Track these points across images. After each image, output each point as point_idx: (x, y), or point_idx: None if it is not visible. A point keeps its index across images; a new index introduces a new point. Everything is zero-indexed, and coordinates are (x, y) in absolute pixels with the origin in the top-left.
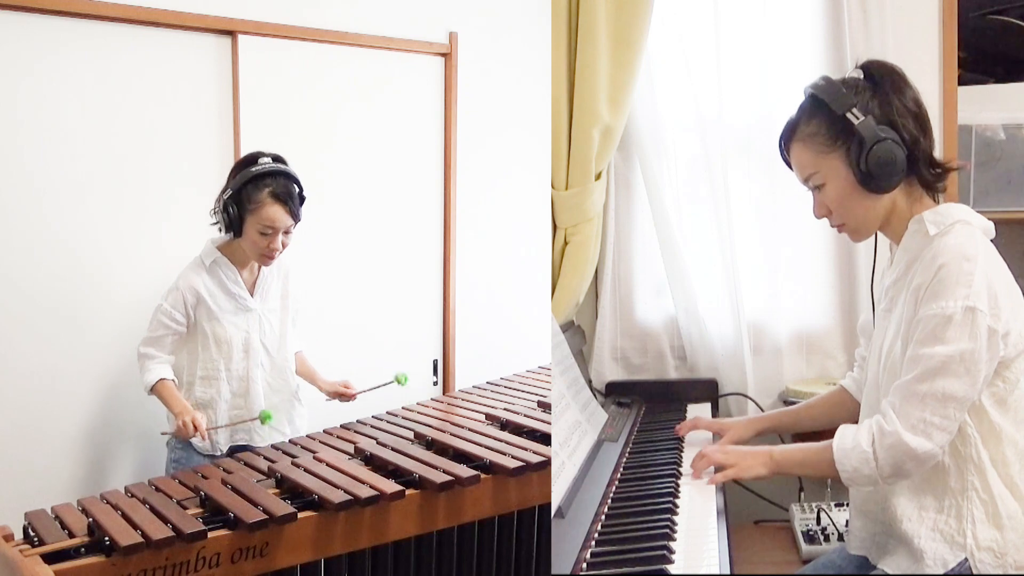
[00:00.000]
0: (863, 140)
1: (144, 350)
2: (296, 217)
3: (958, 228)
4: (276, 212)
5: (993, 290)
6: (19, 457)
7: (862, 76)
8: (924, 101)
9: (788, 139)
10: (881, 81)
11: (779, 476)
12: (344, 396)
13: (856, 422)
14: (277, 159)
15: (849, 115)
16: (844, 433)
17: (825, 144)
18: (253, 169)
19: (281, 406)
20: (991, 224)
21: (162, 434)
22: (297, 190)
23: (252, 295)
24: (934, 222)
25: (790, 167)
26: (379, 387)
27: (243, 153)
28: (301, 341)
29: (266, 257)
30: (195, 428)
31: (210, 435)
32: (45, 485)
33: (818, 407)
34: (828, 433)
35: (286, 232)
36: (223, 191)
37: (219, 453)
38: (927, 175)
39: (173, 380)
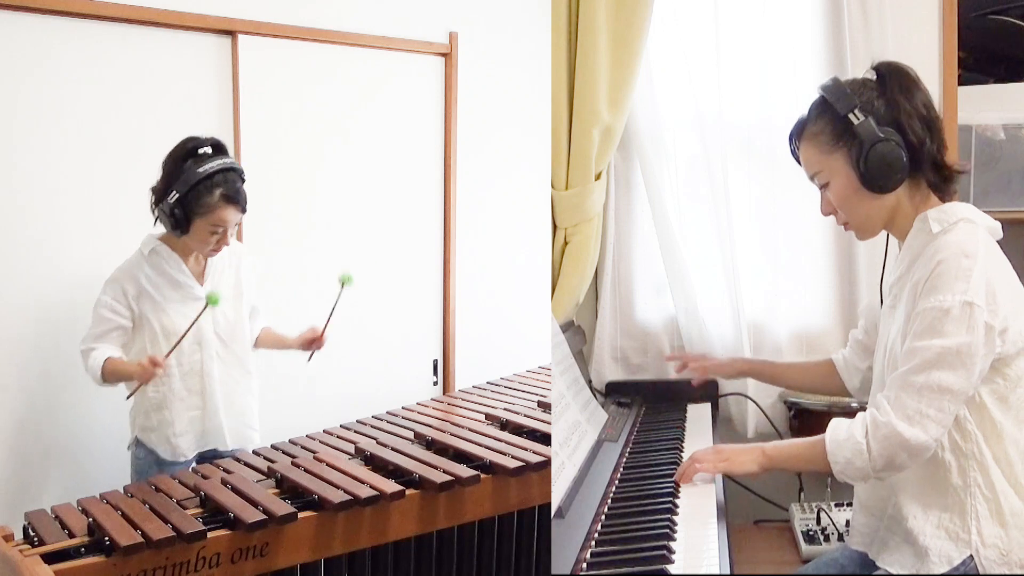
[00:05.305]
0: (862, 141)
1: (85, 346)
2: (245, 211)
3: (961, 226)
4: (228, 213)
5: (992, 287)
6: (19, 457)
7: (875, 76)
8: None
9: (797, 137)
10: (890, 82)
11: (771, 472)
12: (316, 340)
13: (836, 396)
14: (217, 147)
15: (851, 116)
16: (837, 426)
17: (829, 143)
18: (200, 170)
19: (248, 406)
20: (998, 224)
21: (127, 397)
22: (243, 181)
23: (202, 284)
24: (938, 220)
25: (800, 164)
26: (335, 306)
27: (243, 153)
28: (267, 319)
29: (214, 251)
30: (154, 364)
31: (172, 440)
32: (45, 485)
33: (802, 369)
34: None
35: (235, 225)
36: (166, 191)
37: (182, 459)
38: (933, 177)
39: (120, 357)
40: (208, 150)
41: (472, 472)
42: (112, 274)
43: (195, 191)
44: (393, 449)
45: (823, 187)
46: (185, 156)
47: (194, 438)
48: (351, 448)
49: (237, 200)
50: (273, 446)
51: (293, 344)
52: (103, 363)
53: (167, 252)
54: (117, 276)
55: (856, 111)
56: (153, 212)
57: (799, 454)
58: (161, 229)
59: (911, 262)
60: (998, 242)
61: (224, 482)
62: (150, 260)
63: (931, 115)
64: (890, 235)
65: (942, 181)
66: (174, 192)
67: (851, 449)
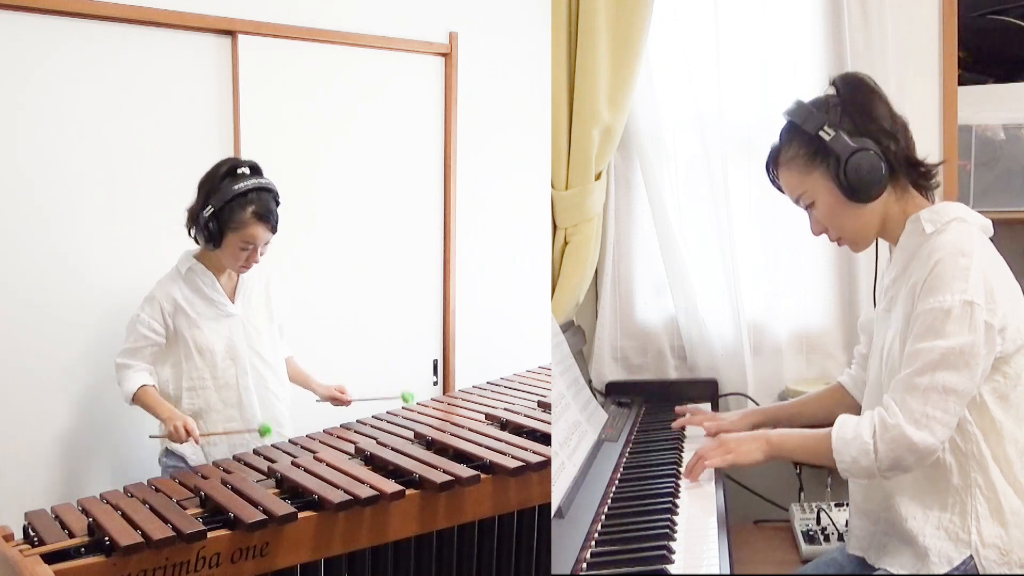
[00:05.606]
0: (838, 155)
1: (121, 360)
2: (275, 231)
3: (954, 225)
4: (259, 231)
5: (989, 285)
6: (19, 457)
7: (835, 91)
8: (922, 101)
9: (773, 165)
10: (849, 94)
11: (776, 461)
12: (339, 401)
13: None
14: (254, 169)
15: (821, 133)
16: (845, 423)
17: (806, 165)
18: (236, 187)
19: (282, 414)
20: (989, 222)
21: (151, 437)
22: (276, 203)
23: (233, 301)
24: (931, 220)
25: (781, 190)
26: (377, 399)
27: (243, 153)
28: (291, 347)
29: (244, 268)
30: (188, 433)
31: (204, 447)
32: (44, 485)
33: (814, 403)
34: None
35: (265, 244)
36: (202, 206)
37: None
38: (912, 176)
39: (154, 386)
40: (246, 170)
41: (472, 472)
42: (150, 292)
43: (229, 206)
44: (393, 449)
45: (808, 207)
46: (223, 175)
47: (229, 448)
48: (351, 448)
49: (268, 219)
50: (273, 446)
51: (317, 392)
52: (137, 389)
53: (202, 270)
54: (155, 294)
55: (826, 127)
56: (189, 230)
57: (804, 445)
58: (193, 248)
59: (906, 264)
60: (998, 241)
61: (224, 482)
62: (186, 277)
63: (895, 118)
64: (879, 240)
65: (921, 178)
66: (210, 206)
67: (858, 449)
